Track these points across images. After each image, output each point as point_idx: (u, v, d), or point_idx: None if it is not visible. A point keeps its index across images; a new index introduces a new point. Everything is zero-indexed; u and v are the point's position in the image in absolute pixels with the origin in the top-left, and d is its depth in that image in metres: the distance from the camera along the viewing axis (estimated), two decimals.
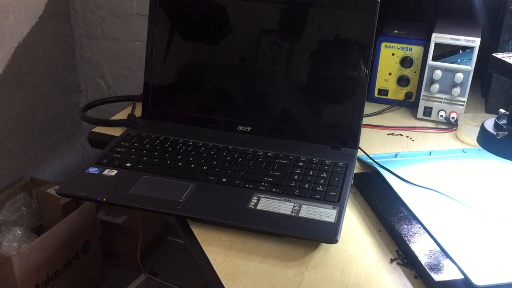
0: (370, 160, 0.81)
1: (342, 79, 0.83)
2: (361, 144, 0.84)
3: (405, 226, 0.66)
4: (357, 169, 0.82)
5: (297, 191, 0.71)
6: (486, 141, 0.70)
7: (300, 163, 0.78)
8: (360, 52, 0.82)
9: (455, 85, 0.96)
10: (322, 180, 0.73)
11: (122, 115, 0.97)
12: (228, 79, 0.90)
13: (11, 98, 1.44)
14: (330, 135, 0.84)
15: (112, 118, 0.97)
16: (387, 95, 1.06)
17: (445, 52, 0.95)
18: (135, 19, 1.52)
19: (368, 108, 1.03)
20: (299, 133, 0.85)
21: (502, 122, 0.69)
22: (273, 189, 0.71)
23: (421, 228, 0.66)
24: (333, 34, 0.84)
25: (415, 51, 1.01)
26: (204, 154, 0.80)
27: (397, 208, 0.70)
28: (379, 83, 1.05)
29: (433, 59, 0.96)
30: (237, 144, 0.83)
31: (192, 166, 0.77)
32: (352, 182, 0.77)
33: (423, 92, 0.99)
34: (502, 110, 0.71)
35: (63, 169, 1.73)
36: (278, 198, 0.69)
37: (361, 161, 0.84)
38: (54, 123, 1.64)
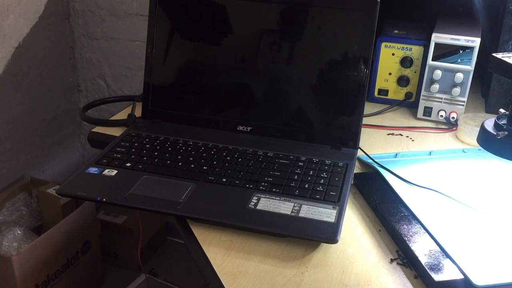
0: (370, 160, 0.81)
1: (342, 79, 0.83)
2: (361, 144, 0.84)
3: (405, 226, 0.66)
4: (357, 169, 0.82)
5: (297, 191, 0.71)
6: (486, 141, 0.70)
7: (300, 163, 0.78)
8: (360, 52, 0.82)
9: (455, 85, 0.96)
10: (322, 180, 0.73)
11: (122, 115, 0.97)
12: (228, 79, 0.90)
13: (11, 98, 1.44)
14: (330, 135, 0.84)
15: (112, 118, 0.97)
16: (387, 95, 1.06)
17: (445, 52, 0.95)
18: (135, 19, 1.52)
19: (368, 108, 1.03)
20: (299, 133, 0.85)
21: (502, 122, 0.69)
22: (273, 189, 0.71)
23: (421, 228, 0.66)
24: (333, 34, 0.84)
25: (415, 51, 1.01)
26: (204, 154, 0.80)
27: (397, 208, 0.70)
28: (379, 83, 1.05)
29: (433, 59, 0.95)
30: (237, 144, 0.83)
31: (192, 166, 0.77)
32: (352, 182, 0.77)
33: (423, 92, 0.99)
34: (502, 110, 0.71)
35: (63, 169, 1.73)
36: (278, 198, 0.69)
37: (361, 161, 0.84)
38: (54, 123, 1.64)
